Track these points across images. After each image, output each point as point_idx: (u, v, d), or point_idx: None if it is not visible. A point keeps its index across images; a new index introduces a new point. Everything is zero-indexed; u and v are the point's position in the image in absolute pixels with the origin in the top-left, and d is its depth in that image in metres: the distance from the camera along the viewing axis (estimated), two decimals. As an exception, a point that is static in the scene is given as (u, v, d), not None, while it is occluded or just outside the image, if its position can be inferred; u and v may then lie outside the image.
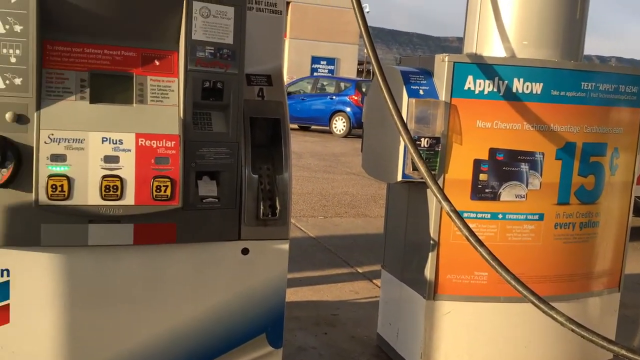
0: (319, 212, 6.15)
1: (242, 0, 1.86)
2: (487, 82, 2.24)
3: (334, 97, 17.20)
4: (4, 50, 1.62)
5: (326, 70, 29.82)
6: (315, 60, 29.99)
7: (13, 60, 1.63)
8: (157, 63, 1.83)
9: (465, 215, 2.27)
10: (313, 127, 17.94)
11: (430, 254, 2.36)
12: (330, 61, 30.28)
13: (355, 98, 16.63)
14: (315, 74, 27.92)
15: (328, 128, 17.00)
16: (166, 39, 1.82)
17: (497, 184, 2.31)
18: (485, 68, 2.23)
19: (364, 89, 17.07)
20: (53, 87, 1.71)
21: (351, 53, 31.18)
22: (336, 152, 12.23)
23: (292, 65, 28.68)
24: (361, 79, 22.05)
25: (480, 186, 2.30)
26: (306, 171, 9.10)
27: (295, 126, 18.06)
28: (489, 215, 2.33)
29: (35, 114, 1.65)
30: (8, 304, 1.72)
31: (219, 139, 1.87)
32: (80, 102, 1.73)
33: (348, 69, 29.97)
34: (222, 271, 1.96)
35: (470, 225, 2.10)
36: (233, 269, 1.96)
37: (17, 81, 1.63)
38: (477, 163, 2.28)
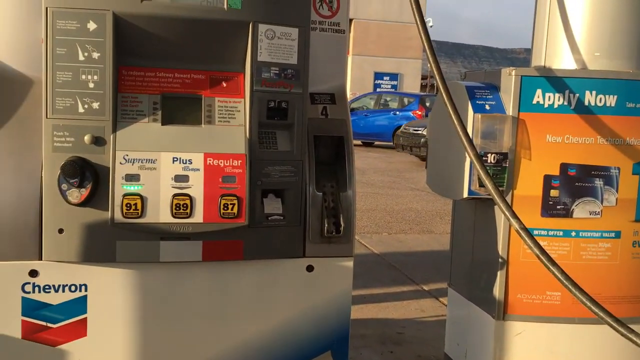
0: (383, 229, 6.12)
1: (306, 21, 1.89)
2: (557, 95, 2.17)
3: (397, 113, 17.16)
4: (83, 77, 1.71)
5: (389, 86, 29.75)
6: (378, 76, 29.99)
7: (91, 85, 1.72)
8: (225, 84, 1.89)
9: (535, 232, 2.20)
10: (376, 142, 17.92)
11: (499, 273, 2.30)
12: (393, 77, 30.20)
13: (419, 113, 16.52)
14: (378, 89, 27.91)
15: (392, 143, 16.93)
16: (233, 61, 1.87)
17: (569, 200, 2.23)
18: (555, 81, 2.17)
19: (427, 104, 16.93)
20: (128, 110, 1.79)
21: (414, 68, 31.00)
22: (400, 168, 12.15)
23: (355, 82, 28.81)
24: (425, 93, 21.88)
25: (551, 203, 2.22)
26: (370, 187, 9.08)
27: (359, 142, 18.09)
28: (561, 233, 2.25)
29: (111, 136, 1.73)
30: (85, 318, 1.80)
31: (284, 158, 1.90)
32: (153, 124, 1.80)
33: (411, 84, 29.79)
34: (288, 288, 1.98)
35: (541, 244, 2.03)
36: (298, 286, 1.98)
37: (95, 105, 1.72)
38: (548, 179, 2.21)
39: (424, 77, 35.25)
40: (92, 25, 1.70)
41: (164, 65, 1.85)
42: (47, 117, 1.70)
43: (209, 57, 1.86)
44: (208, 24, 1.78)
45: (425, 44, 1.89)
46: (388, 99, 18.92)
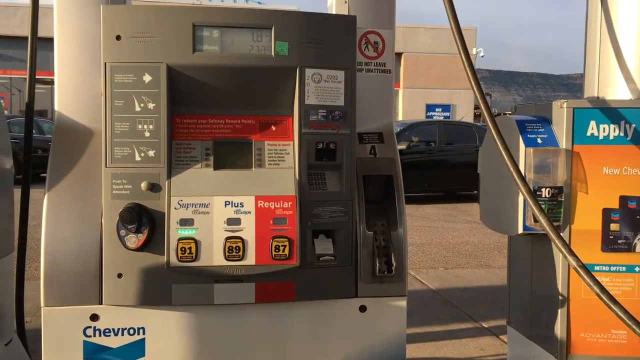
0: (439, 264, 6.01)
1: (352, 64, 1.92)
2: (612, 126, 2.11)
3: (451, 144, 16.95)
4: (139, 126, 1.79)
5: (441, 118, 29.56)
6: (430, 107, 29.87)
7: (147, 134, 1.80)
8: (274, 128, 1.93)
9: (596, 268, 2.12)
10: (430, 175, 17.72)
11: (559, 311, 2.21)
12: (446, 108, 30.01)
13: (473, 144, 16.27)
14: (430, 121, 27.76)
15: (446, 175, 16.71)
16: (281, 105, 1.92)
17: (631, 234, 2.14)
18: (609, 112, 2.11)
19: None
20: (181, 156, 1.85)
21: (466, 98, 30.72)
22: (455, 200, 11.95)
23: (406, 115, 28.77)
24: (478, 124, 21.60)
25: (611, 237, 2.14)
26: (425, 220, 8.97)
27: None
28: (624, 269, 2.16)
29: (166, 182, 1.80)
30: (144, 360, 1.84)
31: (334, 198, 1.91)
32: (205, 169, 1.86)
33: (464, 115, 29.47)
34: (341, 328, 1.97)
35: (603, 280, 1.95)
36: (351, 326, 1.97)
37: (151, 153, 1.79)
38: (607, 212, 2.14)
39: (477, 107, 34.83)
40: (147, 78, 1.79)
41: (215, 112, 1.91)
42: (106, 166, 1.79)
43: (258, 102, 1.92)
44: (257, 71, 1.84)
45: (473, 82, 1.87)
46: (441, 130, 18.75)
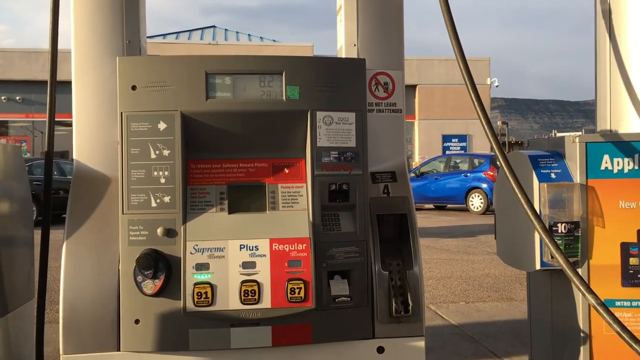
0: (459, 297, 5.92)
1: (363, 105, 1.95)
2: (626, 160, 2.10)
3: (468, 174, 16.89)
4: (155, 173, 1.83)
5: (458, 148, 29.50)
6: (446, 138, 29.85)
7: (162, 180, 1.83)
8: (287, 171, 1.96)
9: (617, 304, 2.09)
10: (449, 206, 17.63)
11: (582, 348, 2.17)
12: (462, 138, 29.97)
13: (491, 173, 16.19)
14: (447, 152, 27.73)
15: (464, 206, 16.61)
16: (293, 148, 1.95)
17: (651, 268, 2.10)
18: (623, 146, 2.11)
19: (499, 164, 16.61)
20: (196, 201, 1.88)
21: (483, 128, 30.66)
22: (475, 231, 11.83)
23: (422, 146, 28.78)
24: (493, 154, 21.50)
25: (631, 271, 2.11)
26: (444, 253, 8.88)
27: (431, 206, 17.85)
28: (646, 303, 2.12)
29: (182, 228, 1.82)
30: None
31: (348, 239, 1.92)
32: (220, 213, 1.88)
33: (481, 145, 29.38)
34: (359, 370, 1.95)
35: (625, 315, 1.91)
36: (370, 368, 1.95)
37: (166, 199, 1.82)
38: (625, 246, 2.11)
39: (493, 136, 34.67)
40: (162, 125, 1.83)
41: (229, 156, 1.95)
42: (123, 213, 1.82)
43: (271, 145, 1.95)
44: (268, 116, 1.88)
45: (485, 125, 1.87)
46: (458, 161, 18.71)
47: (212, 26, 33.40)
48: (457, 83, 29.13)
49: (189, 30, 32.42)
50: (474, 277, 6.94)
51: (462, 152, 27.53)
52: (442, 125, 29.51)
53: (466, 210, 16.55)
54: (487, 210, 15.90)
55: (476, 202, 16.28)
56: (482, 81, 28.77)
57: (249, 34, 32.67)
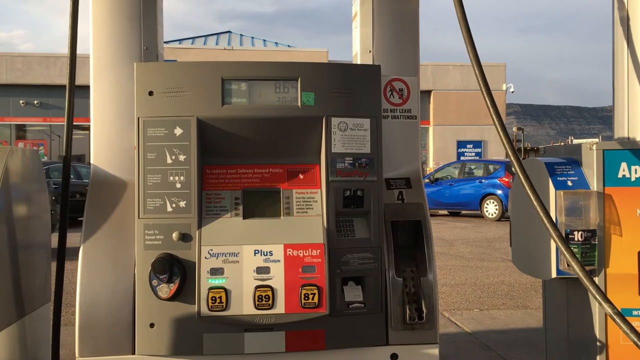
0: (474, 305, 5.88)
1: (378, 111, 1.95)
2: (644, 167, 2.08)
3: (483, 181, 16.80)
4: (171, 178, 1.84)
5: (473, 154, 29.34)
6: (461, 144, 29.72)
7: (178, 185, 1.84)
8: (301, 177, 1.96)
9: (634, 313, 2.06)
10: (463, 212, 17.54)
11: (598, 357, 2.14)
12: (477, 144, 29.82)
13: (506, 180, 16.09)
14: (462, 158, 27.60)
15: (479, 212, 16.51)
16: (308, 154, 1.95)
17: (669, 277, 2.07)
18: (640, 153, 2.08)
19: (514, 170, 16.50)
20: (211, 206, 1.89)
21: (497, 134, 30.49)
22: (489, 237, 11.76)
23: (437, 152, 28.68)
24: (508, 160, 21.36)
25: (649, 280, 2.08)
26: (458, 260, 8.82)
27: (445, 212, 17.76)
28: (663, 313, 2.09)
29: (197, 232, 1.83)
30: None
31: (362, 245, 1.92)
32: (235, 218, 1.89)
33: (496, 151, 29.23)
34: (373, 377, 1.94)
35: (642, 325, 1.88)
36: (383, 375, 1.94)
37: (182, 204, 1.84)
38: (643, 255, 2.08)
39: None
40: (178, 131, 1.84)
41: (244, 161, 1.96)
42: (139, 217, 1.83)
43: (286, 151, 1.96)
44: (284, 121, 1.89)
45: (498, 126, 1.86)
46: (473, 167, 18.61)
47: (227, 31, 33.63)
48: (473, 89, 29.01)
49: (204, 36, 32.66)
50: (488, 284, 6.89)
51: (477, 158, 27.38)
52: (457, 131, 29.40)
53: (481, 216, 16.45)
54: (502, 216, 15.80)
55: (491, 208, 16.18)
56: (497, 87, 28.63)
57: (264, 39, 32.84)
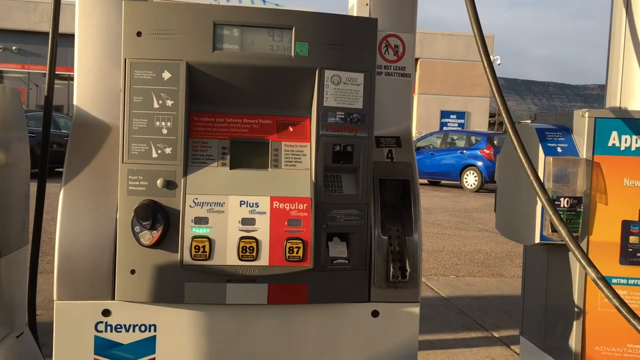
0: (450, 271, 5.96)
1: (372, 67, 1.91)
2: (634, 137, 2.08)
3: (464, 151, 16.89)
4: (157, 123, 1.79)
5: (456, 124, 29.45)
6: (445, 114, 29.78)
7: (164, 131, 1.79)
8: (291, 129, 1.92)
9: (614, 281, 2.09)
10: (443, 182, 17.67)
11: (575, 323, 2.18)
12: (460, 115, 29.90)
13: (487, 152, 16.20)
14: (444, 128, 27.68)
15: (458, 183, 16.65)
16: (299, 106, 1.91)
17: (650, 247, 2.10)
18: (632, 123, 2.08)
19: (495, 142, 16.59)
20: (198, 155, 1.85)
21: (482, 106, 30.59)
22: (467, 208, 11.88)
23: (421, 121, 28.70)
24: (493, 132, 21.49)
25: (630, 250, 2.11)
26: (436, 227, 8.91)
27: (425, 181, 17.88)
28: (642, 282, 2.12)
29: (182, 180, 1.79)
30: (154, 358, 1.84)
31: (349, 201, 1.90)
32: (222, 168, 1.85)
33: (479, 123, 29.37)
34: (352, 333, 1.95)
35: (621, 293, 1.91)
36: (363, 331, 1.95)
37: (167, 150, 1.79)
38: (626, 224, 2.10)
39: (492, 115, 34.68)
40: (166, 75, 1.78)
41: (233, 111, 1.91)
42: (122, 162, 1.78)
43: (276, 102, 1.91)
44: (276, 71, 1.83)
45: (493, 87, 1.86)
46: (455, 137, 18.68)
47: (214, -14, 32.83)
48: (459, 59, 28.94)
49: (190, -11, 31.86)
50: (465, 252, 6.98)
51: (460, 129, 27.48)
52: (441, 100, 29.40)
53: (460, 187, 16.59)
54: (481, 188, 15.96)
55: (470, 179, 16.32)
56: (484, 58, 28.53)
57: (251, -3, 32.17)
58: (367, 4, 2.09)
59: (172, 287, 1.79)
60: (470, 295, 5.04)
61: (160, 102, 1.79)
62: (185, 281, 1.79)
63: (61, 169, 1.88)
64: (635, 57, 2.21)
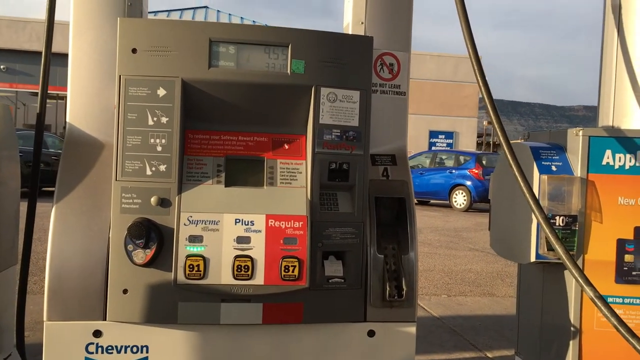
0: (442, 291, 5.93)
1: (368, 85, 1.91)
2: (628, 156, 2.09)
3: (453, 171, 16.95)
4: (152, 140, 1.77)
5: (444, 144, 29.63)
6: (433, 134, 29.96)
7: (159, 149, 1.77)
8: (287, 147, 1.91)
9: (610, 300, 2.08)
10: (432, 201, 17.70)
11: (571, 342, 2.16)
12: (449, 135, 30.10)
13: (476, 171, 16.27)
14: (433, 148, 27.82)
15: (448, 202, 16.68)
16: (295, 124, 1.90)
17: (645, 265, 2.10)
18: (625, 141, 2.09)
19: (484, 162, 16.68)
20: (193, 172, 1.83)
21: (470, 126, 30.83)
22: (457, 227, 11.89)
23: (409, 141, 28.63)
24: (481, 152, 21.64)
25: (626, 268, 2.10)
26: (427, 247, 8.90)
27: (414, 200, 17.91)
28: (638, 301, 2.11)
29: (176, 198, 1.77)
30: (146, 380, 1.80)
31: (345, 219, 1.88)
32: (217, 185, 1.83)
33: (467, 143, 29.57)
34: (348, 353, 1.92)
35: (617, 312, 1.90)
36: (359, 351, 1.92)
37: (162, 168, 1.77)
38: (621, 243, 2.10)
39: (479, 135, 34.95)
40: (161, 92, 1.77)
41: (229, 128, 1.89)
42: (116, 180, 1.76)
43: (272, 120, 1.90)
44: (272, 89, 1.83)
45: (488, 105, 1.86)
46: (444, 157, 18.75)
47: (204, 6, 33.04)
48: (448, 80, 29.22)
49: (180, 9, 32.04)
50: (456, 272, 6.96)
51: (449, 148, 27.64)
52: (430, 120, 29.59)
53: (449, 206, 16.62)
54: (470, 207, 16.00)
55: (459, 199, 16.36)
56: (472, 79, 28.86)
57: (241, 17, 32.40)
58: (362, 23, 2.10)
59: (165, 307, 1.75)
60: (462, 315, 5.01)
61: (155, 119, 1.78)
62: (179, 301, 1.76)
63: (48, 189, 1.85)
64: (627, 76, 2.23)
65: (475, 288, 6.13)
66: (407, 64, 2.14)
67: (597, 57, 2.42)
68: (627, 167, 2.10)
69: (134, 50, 1.76)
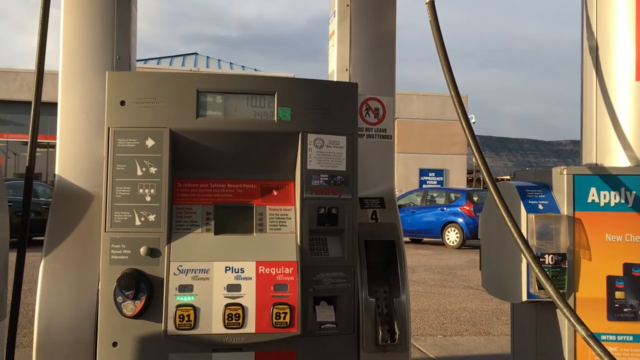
0: (437, 331, 5.87)
1: (354, 129, 1.94)
2: (612, 193, 2.11)
3: (445, 209, 16.99)
4: (140, 190, 1.78)
5: (435, 182, 29.77)
6: (424, 172, 30.13)
7: (148, 199, 1.78)
8: (275, 193, 1.93)
9: (603, 337, 2.07)
10: (425, 239, 17.67)
11: (567, 382, 2.14)
12: (439, 173, 30.28)
13: (467, 208, 16.32)
14: (424, 186, 27.94)
15: (440, 240, 16.66)
16: (283, 170, 1.92)
17: (636, 302, 2.10)
18: (609, 179, 2.12)
19: (475, 199, 16.75)
20: (182, 221, 1.83)
21: (460, 164, 31.06)
22: (451, 265, 11.85)
23: (400, 179, 28.94)
24: (472, 188, 21.74)
25: (617, 305, 2.10)
26: (421, 286, 8.84)
27: (407, 239, 17.87)
28: (631, 338, 2.10)
29: (166, 248, 1.77)
30: None
31: (335, 264, 1.88)
32: (206, 234, 1.83)
33: (457, 180, 29.74)
34: (342, 401, 1.89)
35: (611, 349, 1.89)
36: (353, 399, 1.89)
37: (151, 218, 1.77)
38: (611, 280, 2.11)
39: (469, 172, 35.17)
40: (150, 142, 1.79)
41: (217, 176, 1.91)
42: (105, 231, 1.76)
43: (260, 166, 1.92)
44: (259, 136, 1.85)
45: (473, 147, 1.90)
46: (435, 194, 18.83)
47: (194, 53, 33.51)
48: (436, 118, 29.57)
49: (170, 57, 32.46)
50: (450, 311, 6.91)
51: (439, 186, 27.77)
52: (420, 159, 29.80)
53: (442, 244, 16.59)
54: (463, 244, 15.98)
55: (452, 236, 16.35)
56: (459, 117, 29.19)
57: (230, 62, 32.84)
58: (347, 69, 2.15)
59: (155, 358, 1.73)
60: (459, 355, 4.95)
61: (144, 169, 1.79)
62: (170, 352, 1.74)
63: (38, 238, 1.84)
64: (608, 115, 2.27)
65: (470, 327, 6.08)
66: (392, 108, 2.18)
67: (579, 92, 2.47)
68: (612, 204, 2.12)
69: (122, 103, 1.79)
